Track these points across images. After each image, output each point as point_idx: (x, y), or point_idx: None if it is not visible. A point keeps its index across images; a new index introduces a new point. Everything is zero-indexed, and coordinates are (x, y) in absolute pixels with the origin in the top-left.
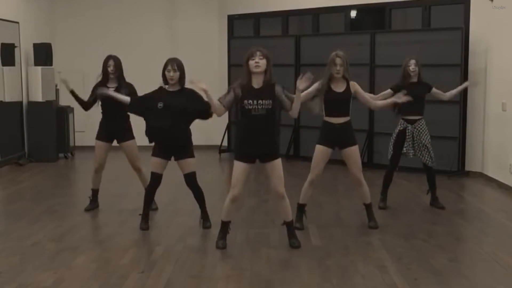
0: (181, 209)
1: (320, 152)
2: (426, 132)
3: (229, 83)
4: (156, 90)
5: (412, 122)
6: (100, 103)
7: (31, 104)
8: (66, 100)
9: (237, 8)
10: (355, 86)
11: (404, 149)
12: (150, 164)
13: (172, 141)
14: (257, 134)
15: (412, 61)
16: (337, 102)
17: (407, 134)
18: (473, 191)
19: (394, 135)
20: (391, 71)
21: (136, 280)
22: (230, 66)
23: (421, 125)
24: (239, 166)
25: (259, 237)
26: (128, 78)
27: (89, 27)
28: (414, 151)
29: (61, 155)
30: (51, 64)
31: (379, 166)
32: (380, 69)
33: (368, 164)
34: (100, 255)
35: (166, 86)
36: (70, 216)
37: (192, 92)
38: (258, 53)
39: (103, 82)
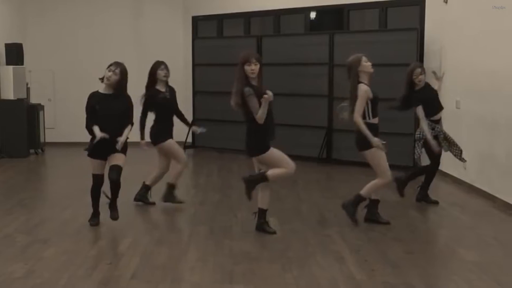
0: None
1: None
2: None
3: (194, 82)
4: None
5: (437, 121)
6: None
7: (3, 102)
8: (36, 98)
9: (201, 9)
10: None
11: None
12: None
13: None
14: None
15: (418, 71)
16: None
17: (438, 133)
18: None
19: (426, 136)
20: None
21: (104, 271)
22: (194, 65)
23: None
24: (276, 150)
25: (222, 230)
26: (96, 78)
27: (59, 27)
28: (448, 147)
29: (31, 151)
30: (22, 63)
31: (338, 162)
32: (338, 68)
33: (327, 159)
34: (69, 247)
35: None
36: (41, 210)
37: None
38: (253, 59)
39: (152, 85)
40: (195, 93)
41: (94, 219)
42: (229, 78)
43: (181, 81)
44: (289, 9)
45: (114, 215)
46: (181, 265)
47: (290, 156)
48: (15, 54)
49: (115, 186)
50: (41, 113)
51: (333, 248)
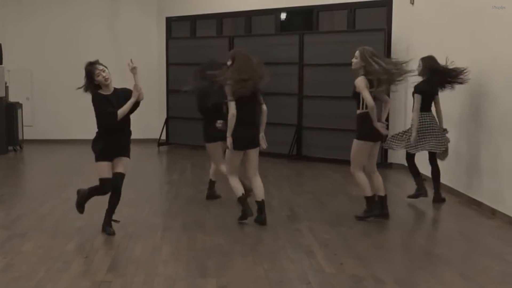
0: (123, 198)
1: None
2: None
3: (168, 81)
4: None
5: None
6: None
7: None
8: (15, 96)
9: (175, 10)
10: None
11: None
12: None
13: None
14: None
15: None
16: None
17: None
18: (396, 181)
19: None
20: (318, 70)
21: (80, 264)
22: (168, 65)
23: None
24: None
25: (195, 224)
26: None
27: (37, 28)
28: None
29: (10, 148)
30: (1, 63)
31: (308, 158)
32: (308, 67)
33: (298, 156)
34: (47, 241)
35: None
36: (19, 205)
37: None
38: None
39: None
40: (169, 91)
41: (109, 228)
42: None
43: (155, 80)
44: (260, 10)
45: (111, 230)
46: (155, 259)
47: (261, 153)
48: None
49: (117, 195)
50: (19, 111)
51: (303, 242)
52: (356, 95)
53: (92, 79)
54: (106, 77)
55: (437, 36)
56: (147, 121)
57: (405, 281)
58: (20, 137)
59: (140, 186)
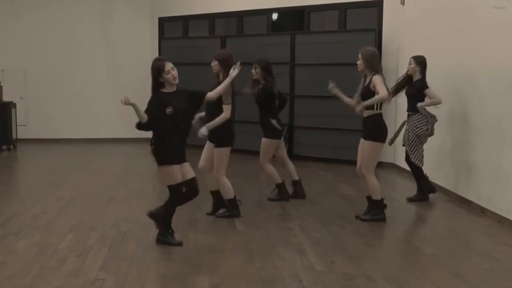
0: (116, 197)
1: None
2: (411, 129)
3: None
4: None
5: (408, 117)
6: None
7: None
8: (9, 96)
9: (167, 10)
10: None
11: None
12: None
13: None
14: None
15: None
16: None
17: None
18: (386, 180)
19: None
20: (310, 70)
21: (73, 263)
22: None
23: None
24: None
25: (187, 223)
26: (67, 77)
27: (30, 28)
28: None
29: (4, 147)
30: None
31: (299, 157)
32: (299, 67)
33: (289, 155)
34: (40, 240)
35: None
36: (12, 204)
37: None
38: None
39: None
40: None
41: (174, 238)
42: (194, 77)
43: (148, 79)
44: (252, 10)
45: (179, 241)
46: (148, 257)
47: (254, 152)
48: None
49: (189, 200)
50: (13, 110)
51: (294, 240)
52: (367, 97)
53: (159, 76)
54: (176, 75)
55: (427, 36)
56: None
57: (396, 279)
58: (13, 136)
59: (132, 185)
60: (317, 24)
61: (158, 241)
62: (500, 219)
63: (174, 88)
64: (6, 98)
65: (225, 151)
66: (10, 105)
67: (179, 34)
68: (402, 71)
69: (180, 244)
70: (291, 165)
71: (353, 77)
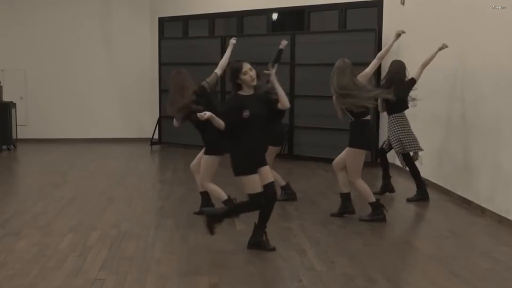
0: (116, 197)
1: None
2: (391, 129)
3: (160, 81)
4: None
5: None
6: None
7: None
8: (9, 96)
9: (167, 10)
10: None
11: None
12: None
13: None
14: None
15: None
16: None
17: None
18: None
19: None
20: (310, 70)
21: (73, 263)
22: (161, 65)
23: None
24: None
25: (187, 223)
26: (67, 77)
27: (30, 28)
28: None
29: (4, 147)
30: None
31: (299, 157)
32: (299, 67)
33: (289, 155)
34: (40, 240)
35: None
36: (13, 203)
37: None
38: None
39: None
40: (161, 91)
41: (268, 244)
42: (194, 77)
43: (148, 80)
44: (252, 10)
45: (271, 246)
46: (148, 257)
47: None
48: None
49: (272, 207)
50: (13, 110)
51: (294, 241)
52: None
53: (236, 77)
54: (254, 77)
55: (427, 35)
56: (140, 120)
57: (396, 279)
58: (14, 136)
59: (133, 185)
60: (317, 24)
61: (251, 246)
62: (500, 219)
63: (252, 91)
64: (6, 98)
65: (213, 159)
66: (10, 105)
67: (179, 34)
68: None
69: (273, 249)
70: (275, 174)
71: None
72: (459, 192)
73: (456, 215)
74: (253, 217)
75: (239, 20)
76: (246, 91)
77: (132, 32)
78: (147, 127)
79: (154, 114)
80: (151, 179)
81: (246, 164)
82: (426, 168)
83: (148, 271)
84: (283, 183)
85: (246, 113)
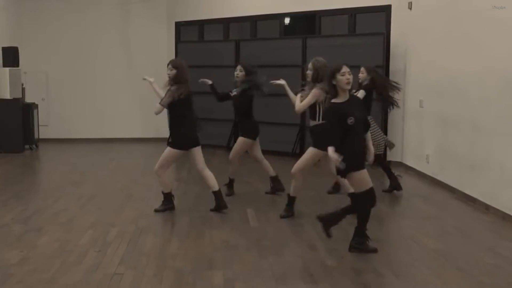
0: (134, 195)
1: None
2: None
3: None
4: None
5: None
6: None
7: (0, 101)
8: (31, 97)
9: (184, 15)
10: None
11: None
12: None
13: None
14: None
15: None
16: None
17: None
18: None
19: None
20: None
21: (93, 258)
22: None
23: None
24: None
25: (202, 220)
26: (87, 79)
27: (52, 33)
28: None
29: (26, 146)
30: (17, 66)
31: None
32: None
33: (301, 154)
34: (62, 235)
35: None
36: (35, 201)
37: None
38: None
39: None
40: None
41: (369, 246)
42: (210, 78)
43: (165, 82)
44: (265, 15)
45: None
46: (165, 252)
47: (267, 151)
48: (11, 56)
49: (370, 209)
50: (35, 111)
51: (306, 236)
52: (313, 107)
53: (333, 77)
54: (350, 80)
55: (433, 39)
56: (157, 121)
57: (403, 274)
58: (36, 136)
59: (150, 183)
60: (328, 28)
61: (352, 249)
62: (504, 216)
63: (347, 96)
64: (28, 99)
65: (173, 152)
66: (32, 106)
67: (195, 38)
68: (409, 73)
69: (375, 251)
70: (266, 163)
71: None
72: (464, 190)
73: (461, 212)
74: (266, 215)
75: (252, 24)
76: (341, 97)
77: (150, 36)
78: (164, 127)
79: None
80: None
81: (356, 161)
82: (433, 167)
83: (165, 266)
84: (273, 174)
85: (351, 120)
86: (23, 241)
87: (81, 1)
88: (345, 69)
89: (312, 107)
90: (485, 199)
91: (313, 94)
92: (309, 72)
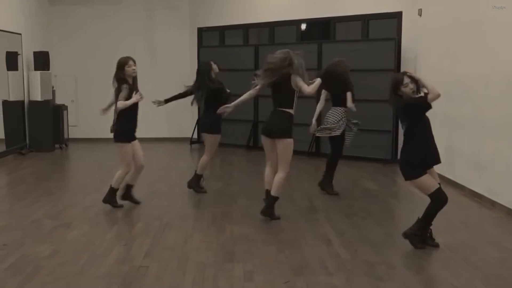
0: (158, 192)
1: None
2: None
3: None
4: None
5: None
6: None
7: (32, 102)
8: (61, 99)
9: (205, 21)
10: None
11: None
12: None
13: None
14: None
15: None
16: None
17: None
18: (391, 175)
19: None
20: None
21: (120, 251)
22: None
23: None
24: None
25: (223, 215)
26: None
27: (80, 38)
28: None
29: (57, 146)
30: (48, 69)
31: (326, 155)
32: None
33: (316, 153)
34: (90, 230)
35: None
36: (64, 197)
37: None
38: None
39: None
40: None
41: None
42: (229, 82)
43: (188, 84)
44: (282, 21)
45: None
46: (187, 246)
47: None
48: (42, 61)
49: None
50: (65, 112)
51: (321, 231)
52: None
53: (397, 89)
54: (414, 89)
55: (442, 44)
56: (180, 121)
57: (414, 266)
58: (65, 136)
59: (173, 180)
60: (342, 34)
61: (405, 236)
62: (509, 212)
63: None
64: (58, 101)
65: (121, 146)
66: (62, 108)
67: (216, 43)
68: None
69: (423, 247)
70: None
71: (375, 81)
72: (471, 186)
73: (468, 208)
74: (283, 210)
75: (270, 30)
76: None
77: (173, 41)
78: (187, 127)
79: (193, 116)
80: (190, 175)
81: (427, 160)
82: (441, 165)
83: (187, 259)
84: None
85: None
86: (54, 235)
87: (108, 8)
88: (406, 80)
89: (290, 95)
90: (491, 196)
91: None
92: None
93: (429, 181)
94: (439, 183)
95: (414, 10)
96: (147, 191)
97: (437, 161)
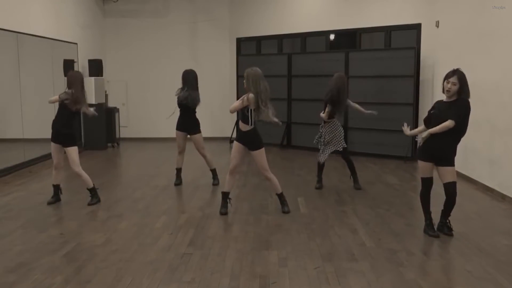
0: (201, 186)
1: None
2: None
3: (238, 91)
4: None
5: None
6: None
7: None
8: (113, 102)
9: (244, 32)
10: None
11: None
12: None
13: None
14: None
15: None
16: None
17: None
18: (391, 171)
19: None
20: (361, 81)
21: (166, 239)
22: (238, 77)
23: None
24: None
25: (260, 207)
26: (160, 87)
27: (131, 47)
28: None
29: (109, 144)
30: (101, 75)
31: (352, 153)
32: (352, 79)
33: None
34: (139, 221)
35: None
36: (116, 191)
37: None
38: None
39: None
40: (238, 98)
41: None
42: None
43: (228, 89)
44: (313, 32)
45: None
46: (227, 235)
47: (314, 148)
48: (96, 68)
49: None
50: (116, 114)
51: (348, 221)
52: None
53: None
54: (449, 89)
55: (457, 53)
56: (221, 122)
57: (431, 253)
58: (117, 136)
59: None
60: (367, 43)
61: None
62: None
63: (448, 100)
64: (110, 104)
65: (73, 149)
66: (114, 110)
67: (253, 52)
68: (437, 83)
69: (437, 236)
70: (209, 157)
71: (396, 86)
72: (483, 181)
73: (481, 200)
74: (314, 203)
75: (302, 40)
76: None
77: (215, 50)
78: (227, 128)
79: (232, 117)
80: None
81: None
82: (457, 162)
83: (227, 247)
84: (213, 167)
85: (431, 111)
86: (106, 226)
87: (156, 21)
88: (449, 79)
89: (244, 112)
90: (501, 189)
91: (245, 98)
92: (244, 82)
93: (421, 167)
94: (447, 182)
95: (432, 22)
96: (191, 185)
97: (428, 159)
